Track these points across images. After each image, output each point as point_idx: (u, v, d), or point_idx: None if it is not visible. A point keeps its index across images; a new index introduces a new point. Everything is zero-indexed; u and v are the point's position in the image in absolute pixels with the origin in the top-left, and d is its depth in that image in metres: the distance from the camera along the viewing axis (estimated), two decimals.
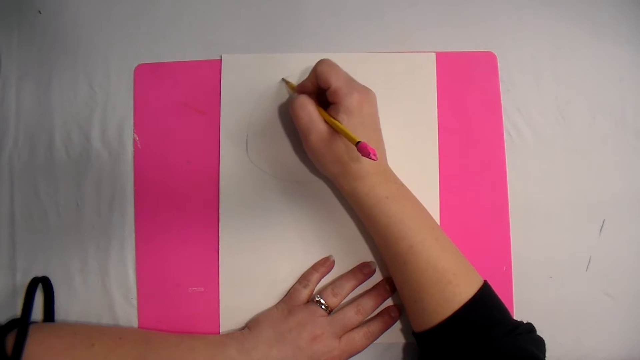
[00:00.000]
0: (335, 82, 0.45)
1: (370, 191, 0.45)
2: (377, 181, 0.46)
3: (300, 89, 0.49)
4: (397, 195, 0.46)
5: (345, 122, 0.44)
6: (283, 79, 0.53)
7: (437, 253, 0.44)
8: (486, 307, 0.43)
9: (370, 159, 0.40)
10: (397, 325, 0.50)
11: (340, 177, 0.47)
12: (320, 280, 0.51)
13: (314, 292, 0.50)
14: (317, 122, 0.45)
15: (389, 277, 0.51)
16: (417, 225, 0.45)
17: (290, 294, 0.50)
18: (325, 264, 0.51)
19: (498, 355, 0.41)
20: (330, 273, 0.51)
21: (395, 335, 0.50)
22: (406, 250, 0.44)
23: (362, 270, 0.51)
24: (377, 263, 0.51)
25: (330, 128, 0.45)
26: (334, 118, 0.45)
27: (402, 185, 0.47)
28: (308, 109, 0.46)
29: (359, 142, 0.40)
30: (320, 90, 0.47)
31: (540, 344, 0.43)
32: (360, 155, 0.41)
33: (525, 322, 0.44)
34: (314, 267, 0.51)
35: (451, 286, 0.43)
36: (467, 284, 0.43)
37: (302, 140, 0.48)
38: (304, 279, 0.50)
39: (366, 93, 0.46)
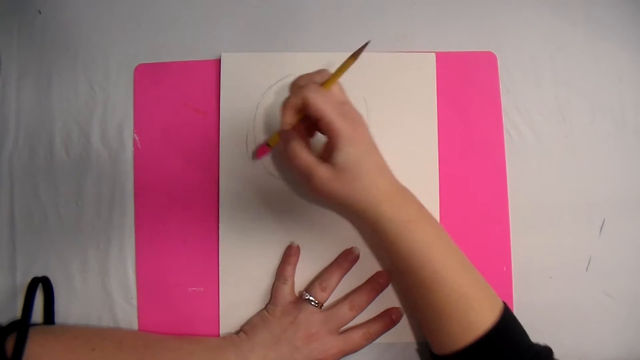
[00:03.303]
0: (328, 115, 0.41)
1: (395, 215, 0.43)
2: (398, 202, 0.44)
3: (286, 116, 0.43)
4: (419, 220, 0.45)
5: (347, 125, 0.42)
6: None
7: (460, 279, 0.43)
8: (508, 333, 0.43)
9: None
10: (398, 325, 0.50)
11: (369, 209, 0.43)
12: (295, 270, 0.50)
13: (302, 290, 0.50)
14: (316, 165, 0.42)
15: (381, 270, 0.51)
16: (441, 250, 0.44)
17: (274, 295, 0.50)
18: (292, 253, 0.50)
19: None
20: (317, 266, 0.51)
21: (395, 335, 0.50)
22: (430, 276, 0.43)
23: (346, 258, 0.50)
24: (361, 249, 0.51)
25: (334, 166, 0.41)
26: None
27: (421, 205, 0.46)
28: (299, 154, 0.42)
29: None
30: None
31: None
32: None
33: (542, 344, 0.44)
34: (285, 261, 0.50)
35: (474, 312, 0.42)
36: (489, 310, 0.43)
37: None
38: (280, 276, 0.50)
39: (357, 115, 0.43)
